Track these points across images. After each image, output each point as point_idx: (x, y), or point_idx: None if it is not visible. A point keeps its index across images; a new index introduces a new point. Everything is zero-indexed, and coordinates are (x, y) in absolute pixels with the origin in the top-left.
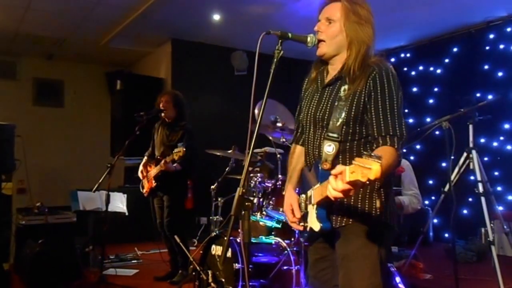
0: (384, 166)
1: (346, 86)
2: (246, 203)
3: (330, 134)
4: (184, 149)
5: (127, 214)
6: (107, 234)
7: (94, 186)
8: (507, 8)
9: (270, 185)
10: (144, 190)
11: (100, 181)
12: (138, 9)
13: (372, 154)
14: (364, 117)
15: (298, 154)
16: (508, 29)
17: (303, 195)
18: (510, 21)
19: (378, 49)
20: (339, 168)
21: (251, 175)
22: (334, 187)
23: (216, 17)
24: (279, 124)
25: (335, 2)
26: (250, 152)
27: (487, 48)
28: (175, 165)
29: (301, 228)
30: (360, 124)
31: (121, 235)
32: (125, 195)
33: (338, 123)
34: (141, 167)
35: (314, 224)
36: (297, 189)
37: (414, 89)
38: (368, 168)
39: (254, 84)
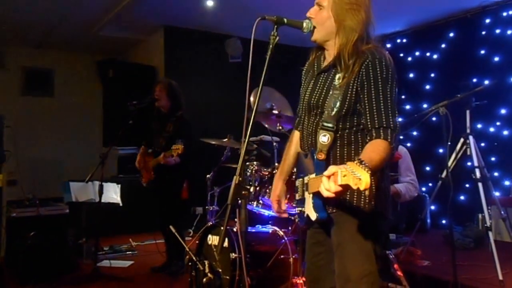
0: (375, 163)
1: (340, 75)
2: (243, 192)
3: (325, 124)
4: (183, 146)
5: (121, 205)
6: (101, 225)
7: (86, 176)
8: None
9: (266, 173)
10: (143, 181)
11: (93, 172)
12: None
13: (362, 160)
14: (358, 106)
15: (295, 140)
16: (504, 14)
17: (300, 179)
18: (506, 6)
19: (374, 34)
20: (331, 169)
21: (247, 163)
22: (326, 188)
23: (209, 3)
24: (275, 112)
25: None
26: (246, 141)
27: (483, 33)
28: (174, 158)
29: (286, 216)
30: (354, 113)
31: (115, 226)
32: (119, 185)
33: (333, 113)
34: (138, 157)
35: (311, 212)
36: (300, 173)
37: (411, 75)
38: (358, 178)
39: (250, 71)
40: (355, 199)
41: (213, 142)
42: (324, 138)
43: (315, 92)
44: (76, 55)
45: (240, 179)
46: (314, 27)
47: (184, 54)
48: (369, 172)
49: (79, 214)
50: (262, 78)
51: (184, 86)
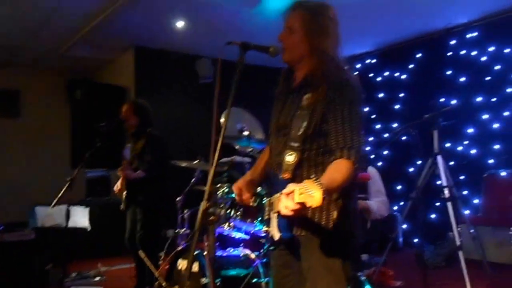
0: (337, 183)
1: (308, 95)
2: (211, 217)
3: (292, 143)
4: (149, 160)
5: (89, 229)
6: (68, 250)
7: (54, 200)
8: (467, 15)
9: None
10: (121, 205)
11: (60, 195)
12: (99, 16)
13: (317, 178)
14: (324, 127)
15: (266, 155)
16: (468, 36)
17: (268, 199)
18: (470, 28)
19: (344, 55)
20: (290, 187)
21: (218, 185)
22: (285, 206)
23: (180, 24)
24: (245, 133)
25: (296, 10)
26: (214, 165)
27: (449, 54)
28: (137, 172)
29: (250, 203)
30: (320, 134)
31: (84, 251)
32: (88, 208)
33: (299, 133)
34: (119, 181)
35: (274, 232)
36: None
37: (381, 95)
38: (311, 196)
39: (217, 94)
40: (323, 216)
41: (183, 164)
42: (289, 158)
43: (284, 112)
44: (44, 75)
45: (208, 204)
46: (284, 50)
47: (155, 74)
48: (322, 189)
49: (46, 240)
50: (230, 102)
51: (155, 106)
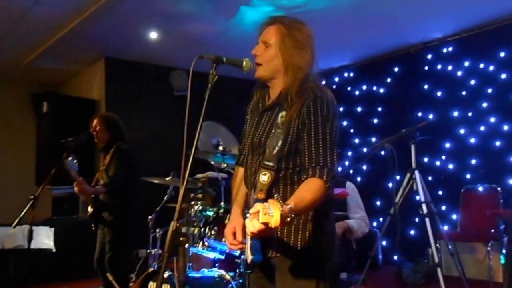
0: (307, 202)
1: (283, 113)
2: (181, 238)
3: (266, 163)
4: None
5: (54, 250)
6: (31, 274)
7: (15, 220)
8: (442, 30)
9: (212, 213)
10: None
11: (22, 214)
12: (67, 26)
13: (278, 198)
14: (299, 145)
15: (242, 177)
16: (444, 50)
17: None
18: (445, 43)
19: (322, 68)
20: (257, 207)
21: (192, 203)
22: (252, 225)
23: (153, 35)
24: (221, 148)
25: (272, 25)
26: (185, 181)
27: (426, 68)
28: (97, 187)
29: (241, 247)
30: (295, 153)
31: (48, 274)
32: (52, 229)
33: (275, 152)
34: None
35: (247, 254)
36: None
37: (359, 109)
38: (271, 216)
39: (188, 108)
40: (299, 237)
41: (156, 181)
42: (264, 177)
43: (259, 130)
44: (9, 87)
45: (178, 224)
46: (259, 65)
47: (127, 86)
48: (281, 209)
49: (6, 263)
50: (202, 116)
51: (127, 120)
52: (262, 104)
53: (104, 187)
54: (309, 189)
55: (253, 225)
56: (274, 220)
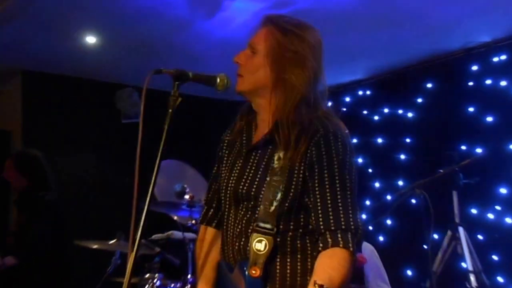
0: (337, 285)
1: (280, 154)
2: None
3: (262, 225)
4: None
5: None
6: None
7: None
8: (491, 31)
9: None
10: None
11: None
12: None
13: (322, 285)
14: (305, 199)
15: (211, 241)
16: (495, 59)
17: None
18: (496, 48)
19: (327, 85)
20: None
21: (147, 275)
22: None
23: (91, 39)
24: (187, 197)
25: (265, 26)
26: (137, 245)
27: (471, 83)
28: (6, 258)
29: None
30: (298, 210)
31: None
32: None
33: (273, 208)
34: None
35: None
36: None
37: (379, 140)
38: None
39: (140, 142)
40: None
41: (95, 246)
42: (259, 245)
43: (245, 176)
44: None
45: None
46: (239, 75)
47: (54, 111)
48: None
49: None
50: (159, 155)
51: (54, 159)
52: (247, 137)
53: (16, 258)
54: (335, 266)
55: None
56: None
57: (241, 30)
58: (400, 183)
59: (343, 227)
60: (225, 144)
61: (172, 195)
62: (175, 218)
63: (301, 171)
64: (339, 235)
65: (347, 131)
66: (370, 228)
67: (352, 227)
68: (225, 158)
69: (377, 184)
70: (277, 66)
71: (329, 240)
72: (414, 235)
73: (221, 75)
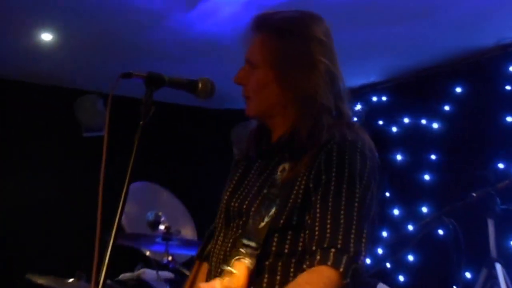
0: None
1: (286, 165)
2: None
3: (246, 242)
4: None
5: None
6: None
7: None
8: None
9: None
10: None
11: None
12: None
13: None
14: (305, 216)
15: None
16: None
17: None
18: None
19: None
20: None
21: None
22: None
23: (46, 37)
24: (162, 228)
25: (256, 32)
26: (101, 286)
27: (508, 87)
28: None
29: None
30: (297, 229)
31: None
32: None
33: (263, 224)
34: None
35: None
36: None
37: (398, 157)
38: None
39: (105, 159)
40: None
41: (40, 281)
42: (239, 266)
43: (241, 189)
44: None
45: None
46: (246, 98)
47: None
48: None
49: None
50: (128, 176)
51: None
52: (257, 148)
53: None
54: (314, 282)
55: None
56: None
57: (227, 24)
58: (424, 209)
59: (339, 246)
60: (233, 164)
61: (144, 225)
62: (147, 253)
63: (304, 182)
64: (330, 254)
65: (371, 143)
66: (388, 265)
67: (351, 249)
68: (232, 175)
69: (396, 211)
70: (283, 76)
71: (318, 257)
72: (441, 273)
73: (204, 79)
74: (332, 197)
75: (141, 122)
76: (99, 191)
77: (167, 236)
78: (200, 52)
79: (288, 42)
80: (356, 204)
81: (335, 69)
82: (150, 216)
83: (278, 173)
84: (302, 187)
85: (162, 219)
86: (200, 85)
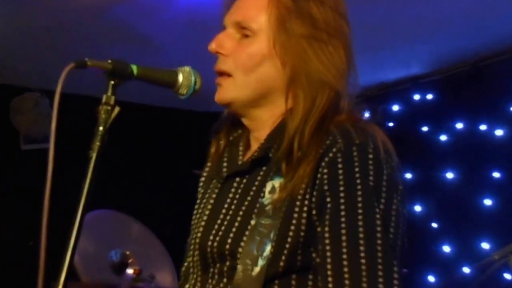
0: None
1: (276, 182)
2: None
3: None
4: None
5: None
6: None
7: None
8: None
9: None
10: None
11: None
12: None
13: None
14: (312, 253)
15: None
16: None
17: None
18: None
19: (363, 85)
20: None
21: None
22: None
23: None
24: (130, 271)
25: None
26: None
27: None
28: None
29: None
30: (305, 269)
31: None
32: None
33: (257, 269)
34: None
35: None
36: None
37: (449, 175)
38: None
39: (50, 178)
40: None
41: None
42: None
43: (219, 222)
44: None
45: None
46: (223, 74)
47: None
48: None
49: None
50: (82, 201)
51: None
52: (229, 159)
53: None
54: None
55: None
56: None
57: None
58: (485, 246)
59: None
60: (201, 183)
61: (107, 268)
62: None
63: (305, 209)
64: None
65: (389, 144)
66: None
67: None
68: (199, 201)
69: (446, 248)
70: (294, 53)
71: None
72: None
73: (185, 69)
74: (346, 229)
75: (101, 128)
76: (42, 221)
77: (136, 281)
78: (181, 30)
79: (303, 7)
80: (378, 235)
81: (351, 55)
82: (115, 256)
83: (266, 194)
84: (303, 214)
85: (131, 260)
86: (180, 77)
